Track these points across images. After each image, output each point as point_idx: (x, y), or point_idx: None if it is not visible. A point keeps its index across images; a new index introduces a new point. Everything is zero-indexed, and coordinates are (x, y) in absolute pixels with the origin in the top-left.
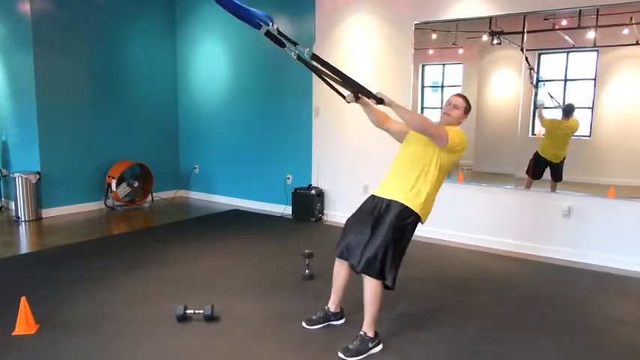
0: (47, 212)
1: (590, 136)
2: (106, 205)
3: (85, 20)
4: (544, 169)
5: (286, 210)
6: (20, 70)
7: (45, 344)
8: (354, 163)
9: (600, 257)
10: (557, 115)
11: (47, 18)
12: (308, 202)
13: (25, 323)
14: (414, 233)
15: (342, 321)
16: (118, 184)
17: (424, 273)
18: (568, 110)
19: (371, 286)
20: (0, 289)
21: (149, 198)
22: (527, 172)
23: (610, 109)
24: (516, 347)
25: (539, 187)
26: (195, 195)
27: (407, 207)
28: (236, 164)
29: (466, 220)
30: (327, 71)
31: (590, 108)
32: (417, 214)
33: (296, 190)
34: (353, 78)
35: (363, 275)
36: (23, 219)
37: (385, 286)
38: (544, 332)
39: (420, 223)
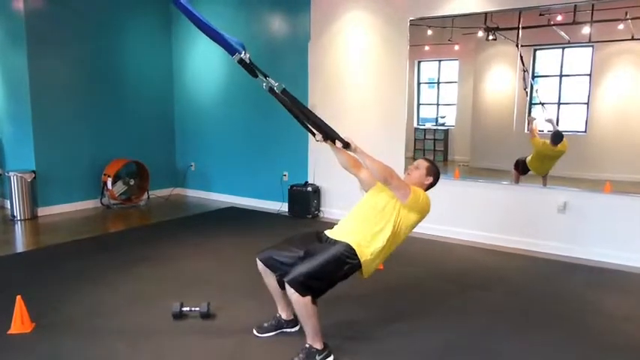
0: (43, 211)
1: (585, 131)
2: (102, 203)
3: (80, 18)
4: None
5: (283, 207)
6: (14, 68)
7: (41, 343)
8: None
9: (596, 252)
10: (550, 116)
11: (41, 15)
12: (304, 199)
13: (20, 322)
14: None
15: (296, 328)
16: (113, 183)
17: (420, 269)
18: (556, 138)
19: (299, 303)
20: None
21: (145, 196)
22: (514, 168)
23: (605, 104)
24: (512, 343)
25: (533, 183)
26: (192, 193)
27: (355, 252)
28: (232, 161)
29: (462, 216)
30: (296, 108)
31: (585, 103)
32: (360, 263)
33: (292, 187)
34: (321, 118)
35: (289, 290)
36: (19, 218)
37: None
38: (540, 328)
39: (359, 273)
